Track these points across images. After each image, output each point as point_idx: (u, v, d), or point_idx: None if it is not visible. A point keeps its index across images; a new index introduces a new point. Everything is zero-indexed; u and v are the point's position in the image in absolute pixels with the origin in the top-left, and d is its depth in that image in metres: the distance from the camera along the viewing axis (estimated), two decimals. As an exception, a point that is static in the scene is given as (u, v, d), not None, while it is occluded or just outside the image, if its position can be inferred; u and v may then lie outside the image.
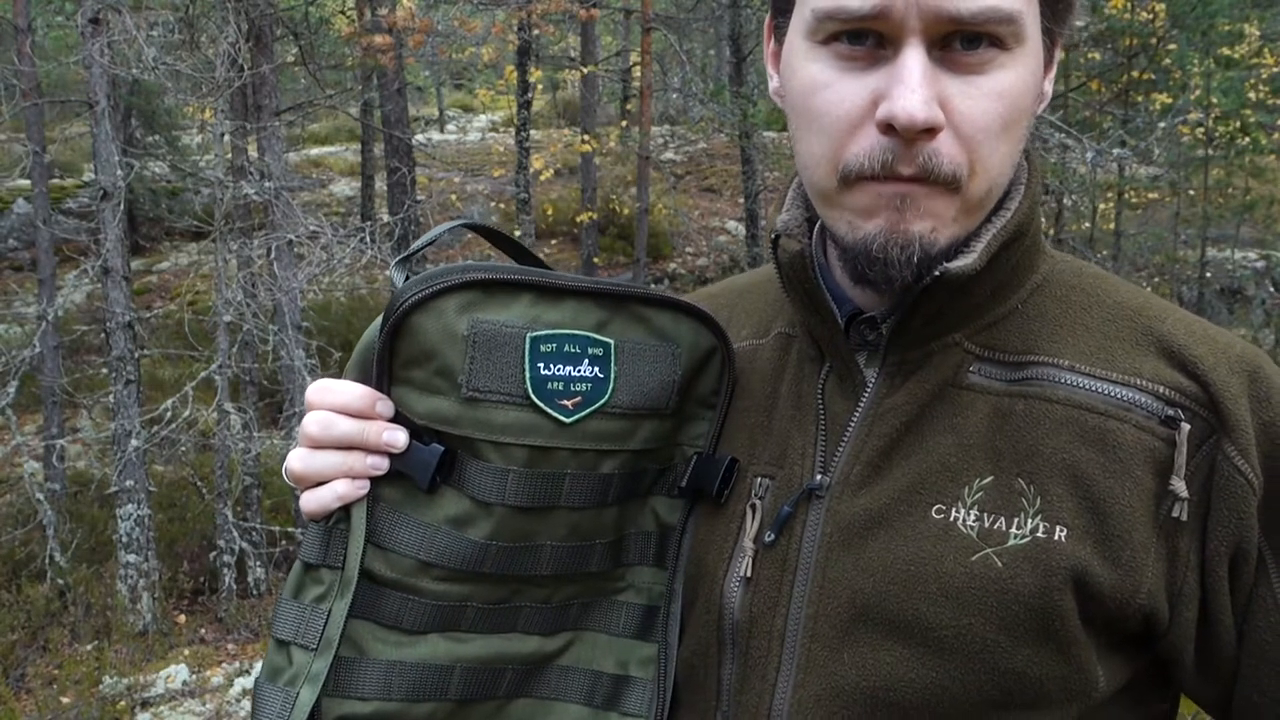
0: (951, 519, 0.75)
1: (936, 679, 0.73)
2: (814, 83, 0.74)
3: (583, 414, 0.77)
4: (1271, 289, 11.68)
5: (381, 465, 0.77)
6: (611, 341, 0.78)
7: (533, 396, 0.76)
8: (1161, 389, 0.75)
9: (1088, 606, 0.73)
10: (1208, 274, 11.21)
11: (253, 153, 7.90)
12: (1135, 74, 10.84)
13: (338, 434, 0.76)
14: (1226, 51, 10.53)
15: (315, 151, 17.41)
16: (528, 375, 0.75)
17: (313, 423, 0.77)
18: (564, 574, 0.81)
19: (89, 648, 6.18)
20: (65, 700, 5.50)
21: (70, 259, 9.41)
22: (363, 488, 0.77)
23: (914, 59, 0.70)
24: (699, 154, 16.20)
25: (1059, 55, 0.81)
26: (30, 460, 8.12)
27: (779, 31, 0.81)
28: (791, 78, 0.78)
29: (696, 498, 0.86)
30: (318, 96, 11.02)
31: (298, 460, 0.78)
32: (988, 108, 0.72)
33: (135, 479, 6.86)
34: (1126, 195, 11.23)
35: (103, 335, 8.13)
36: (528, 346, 0.75)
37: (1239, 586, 0.75)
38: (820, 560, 0.78)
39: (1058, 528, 0.73)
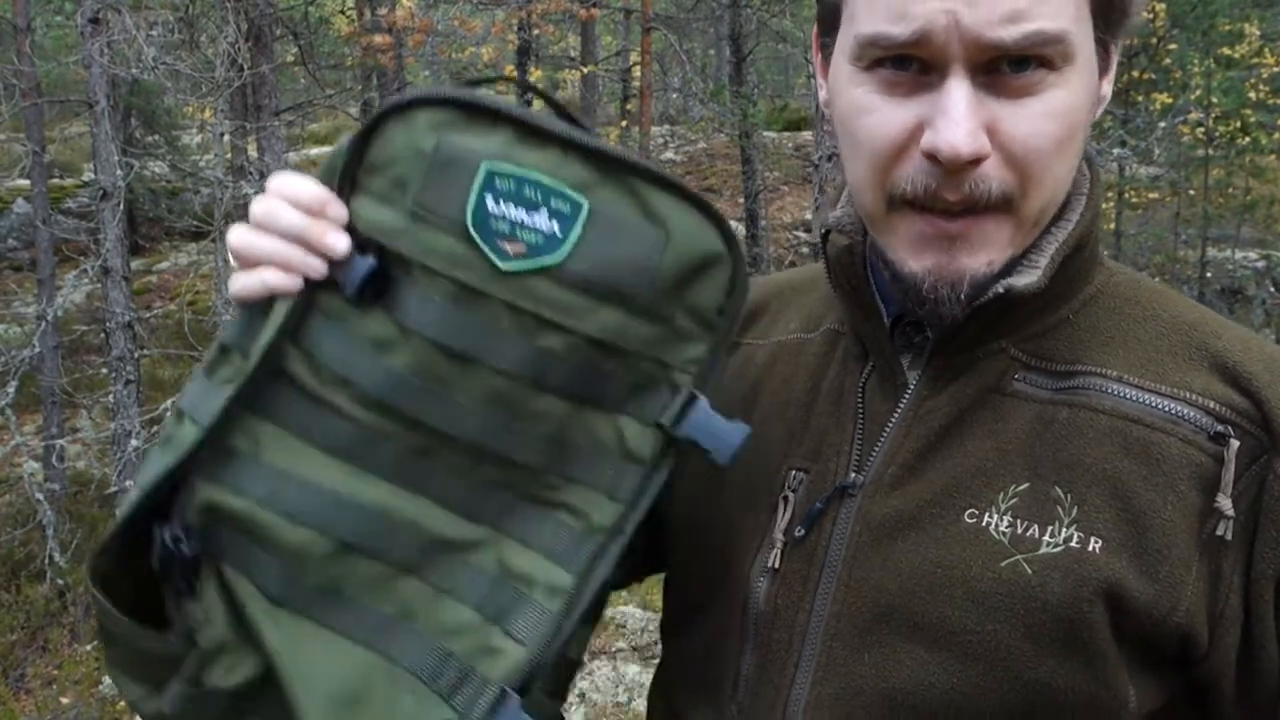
0: (984, 524, 0.74)
1: (957, 685, 0.72)
2: (858, 107, 0.74)
3: (524, 266, 0.70)
4: (1271, 289, 11.68)
5: (318, 267, 0.72)
6: (586, 204, 0.70)
7: (470, 228, 0.69)
8: (1212, 404, 0.73)
9: (1120, 621, 0.71)
10: (1208, 274, 11.20)
11: (252, 153, 7.90)
12: (1135, 74, 10.84)
13: (281, 223, 0.72)
14: (1226, 51, 10.53)
15: (315, 151, 17.38)
16: (470, 204, 0.69)
17: (260, 206, 0.74)
18: (484, 448, 0.73)
19: (89, 648, 6.18)
20: (65, 700, 5.50)
21: (70, 259, 9.40)
22: (293, 283, 0.72)
23: (958, 89, 0.69)
24: (699, 154, 16.20)
25: (1117, 57, 0.78)
26: (30, 460, 8.12)
27: (825, 50, 0.80)
28: (838, 99, 0.77)
29: (689, 452, 0.74)
30: (318, 96, 11.03)
31: (236, 236, 0.74)
32: (1039, 129, 0.70)
33: (135, 479, 6.85)
34: (1126, 195, 11.24)
35: (103, 335, 8.13)
36: (481, 175, 0.69)
37: None
38: (848, 559, 0.77)
39: (1093, 538, 0.71)
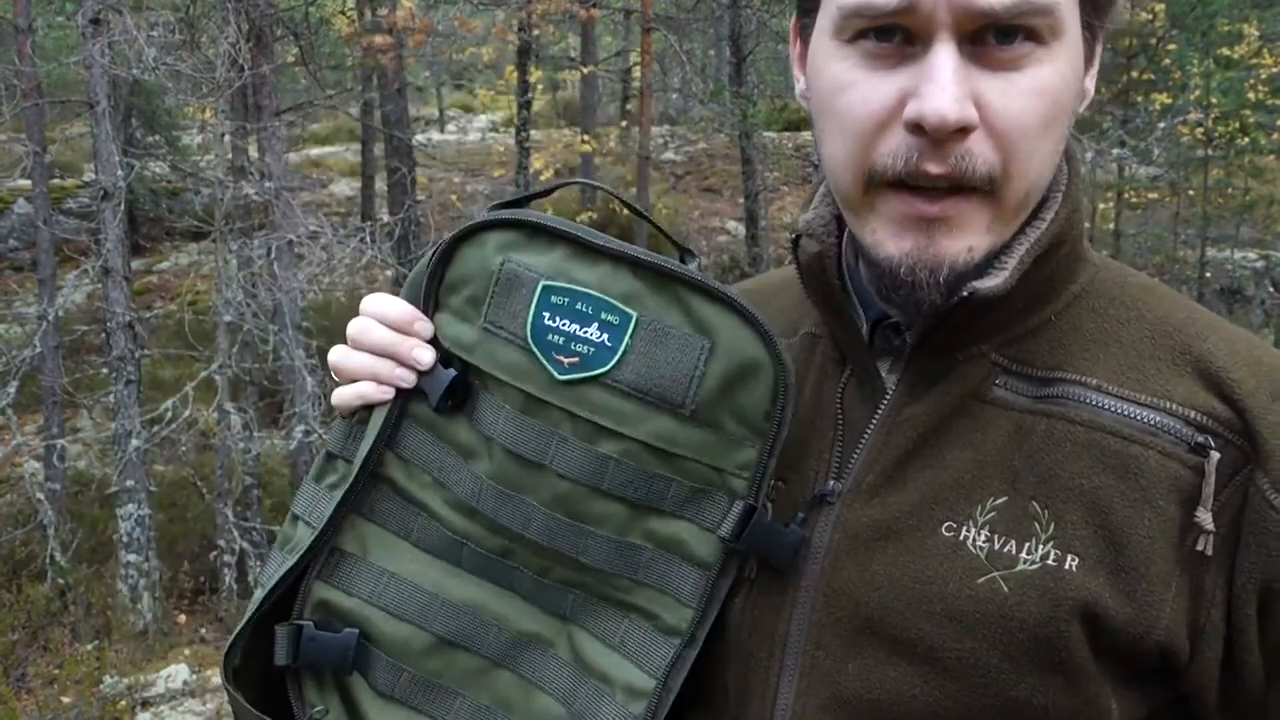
0: (961, 538, 0.72)
1: (939, 700, 0.71)
2: (839, 82, 0.71)
3: (577, 376, 0.75)
4: (1271, 289, 11.68)
5: (407, 378, 0.79)
6: (635, 315, 0.75)
7: (530, 341, 0.76)
8: (1192, 414, 0.71)
9: (1098, 639, 0.69)
10: (1207, 274, 11.21)
11: (253, 153, 7.91)
12: (1135, 74, 10.85)
13: (372, 339, 0.80)
14: (1226, 51, 10.54)
15: (315, 151, 17.40)
16: (530, 319, 0.76)
17: (355, 325, 0.82)
18: (555, 550, 0.78)
19: (89, 647, 6.18)
20: (66, 700, 5.51)
21: (70, 259, 9.40)
22: (386, 394, 0.80)
23: (944, 55, 0.67)
24: (699, 154, 16.19)
25: (1100, 51, 0.76)
26: (30, 460, 8.12)
27: (805, 32, 0.78)
28: (817, 78, 0.75)
29: (746, 557, 0.78)
30: (318, 96, 11.01)
31: (335, 354, 0.83)
32: (1026, 105, 0.68)
33: (135, 479, 6.86)
34: (1126, 195, 11.26)
35: (103, 335, 8.13)
36: (538, 292, 0.76)
37: (1269, 626, 0.70)
38: (826, 568, 0.76)
39: (1069, 556, 0.70)
